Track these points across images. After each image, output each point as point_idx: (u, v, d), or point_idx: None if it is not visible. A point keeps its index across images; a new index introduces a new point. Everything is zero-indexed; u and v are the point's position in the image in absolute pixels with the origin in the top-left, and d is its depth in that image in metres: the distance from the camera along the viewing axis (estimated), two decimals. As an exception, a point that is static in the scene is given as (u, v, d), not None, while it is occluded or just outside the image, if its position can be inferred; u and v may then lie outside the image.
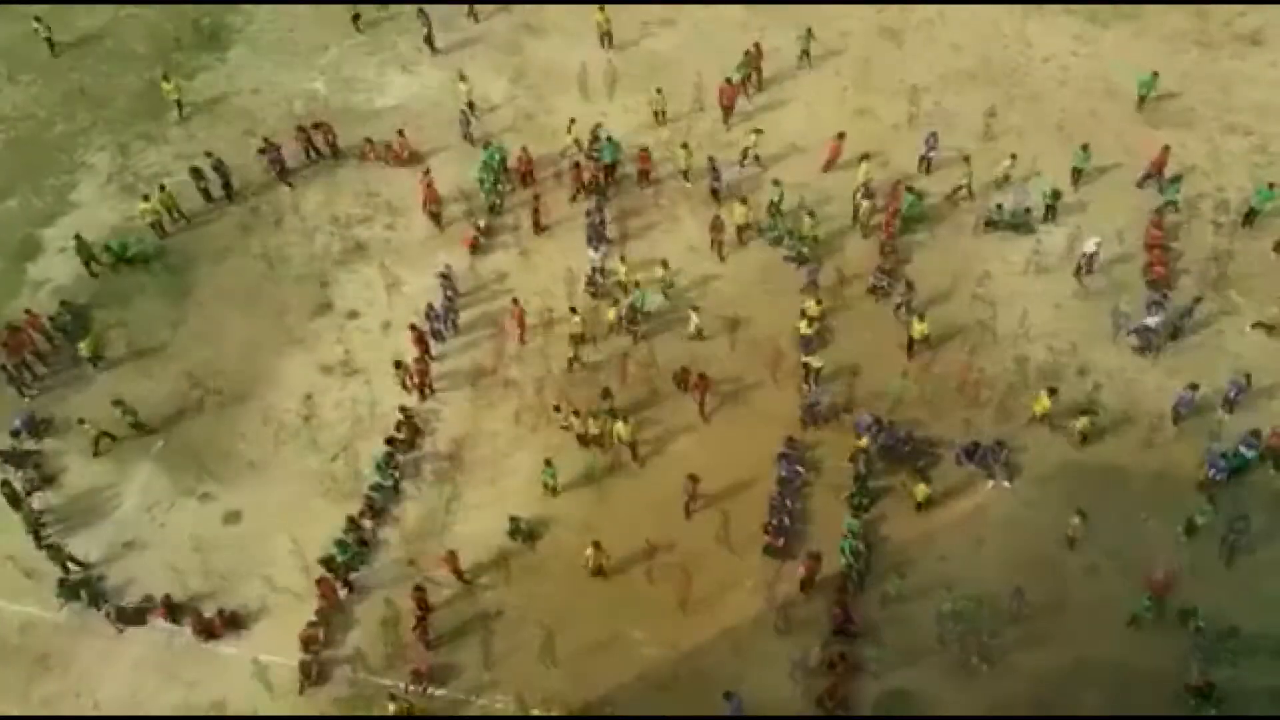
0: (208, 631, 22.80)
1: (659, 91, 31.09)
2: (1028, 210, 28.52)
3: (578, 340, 26.20)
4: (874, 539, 23.44)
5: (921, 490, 23.44)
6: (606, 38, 33.62)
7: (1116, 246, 27.85)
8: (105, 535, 24.51)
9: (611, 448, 24.86)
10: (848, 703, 21.44)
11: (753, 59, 31.94)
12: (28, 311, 27.28)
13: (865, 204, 28.43)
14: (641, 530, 23.55)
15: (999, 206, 28.60)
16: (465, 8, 34.98)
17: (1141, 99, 30.95)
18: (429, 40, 33.84)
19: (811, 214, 27.97)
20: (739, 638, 22.47)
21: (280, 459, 25.52)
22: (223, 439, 25.90)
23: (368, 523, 24.21)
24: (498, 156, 30.10)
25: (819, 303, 26.57)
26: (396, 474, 24.86)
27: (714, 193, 29.40)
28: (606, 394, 25.11)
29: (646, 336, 26.96)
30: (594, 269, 28.02)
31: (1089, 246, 27.02)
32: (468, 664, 22.46)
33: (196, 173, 29.84)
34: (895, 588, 22.70)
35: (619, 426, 24.36)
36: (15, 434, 25.68)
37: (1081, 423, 24.27)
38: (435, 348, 26.92)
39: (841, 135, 29.68)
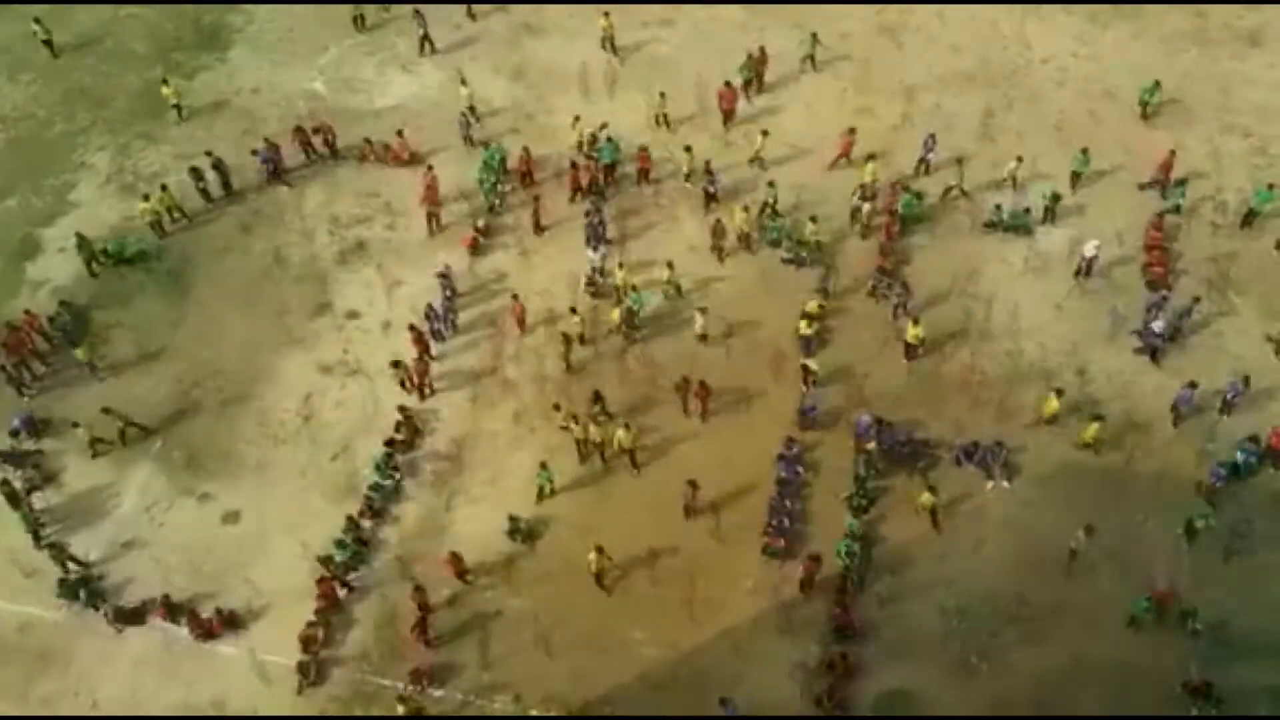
0: (207, 631, 22.80)
1: (662, 95, 31.06)
2: (1027, 211, 28.54)
3: (569, 341, 26.06)
4: (874, 539, 23.44)
5: (928, 499, 23.29)
6: (609, 43, 33.54)
7: (1116, 248, 27.89)
8: (104, 535, 24.50)
9: (613, 456, 24.79)
10: (847, 703, 21.45)
11: (755, 62, 31.90)
12: (27, 312, 27.27)
13: (867, 206, 28.42)
14: (642, 530, 23.59)
15: (998, 208, 28.62)
16: (464, 7, 35.02)
17: (1144, 106, 30.95)
18: (424, 42, 33.82)
19: (814, 219, 27.93)
20: (739, 638, 22.47)
21: (280, 459, 25.51)
22: (222, 439, 25.89)
23: (367, 523, 24.22)
24: (498, 157, 30.13)
25: (821, 306, 26.60)
26: (396, 474, 24.87)
27: (709, 196, 29.37)
28: (598, 398, 25.11)
29: (645, 340, 26.94)
30: (593, 269, 28.03)
31: (1089, 250, 27.04)
32: (467, 664, 22.45)
33: (196, 173, 29.83)
34: (891, 588, 22.71)
35: (620, 434, 24.31)
36: (15, 434, 25.68)
37: (1091, 430, 24.14)
38: (435, 348, 26.92)
39: (853, 130, 29.69)
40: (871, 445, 24.18)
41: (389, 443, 25.09)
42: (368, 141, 30.77)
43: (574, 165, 29.77)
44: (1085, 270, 27.27)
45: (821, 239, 28.01)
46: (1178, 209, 28.46)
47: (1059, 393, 24.60)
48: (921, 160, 29.70)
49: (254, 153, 30.36)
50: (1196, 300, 26.18)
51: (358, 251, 29.26)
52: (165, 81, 32.37)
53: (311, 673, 22.20)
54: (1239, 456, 23.67)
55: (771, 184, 28.79)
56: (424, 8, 33.69)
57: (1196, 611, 21.79)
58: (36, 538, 24.13)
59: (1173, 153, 28.78)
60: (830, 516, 23.78)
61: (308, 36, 35.03)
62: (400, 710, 21.26)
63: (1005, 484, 24.21)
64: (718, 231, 27.98)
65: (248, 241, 29.63)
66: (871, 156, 28.93)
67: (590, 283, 27.92)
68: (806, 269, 27.92)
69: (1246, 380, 24.50)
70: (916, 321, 25.72)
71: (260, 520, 24.53)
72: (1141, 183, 29.17)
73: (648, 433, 25.18)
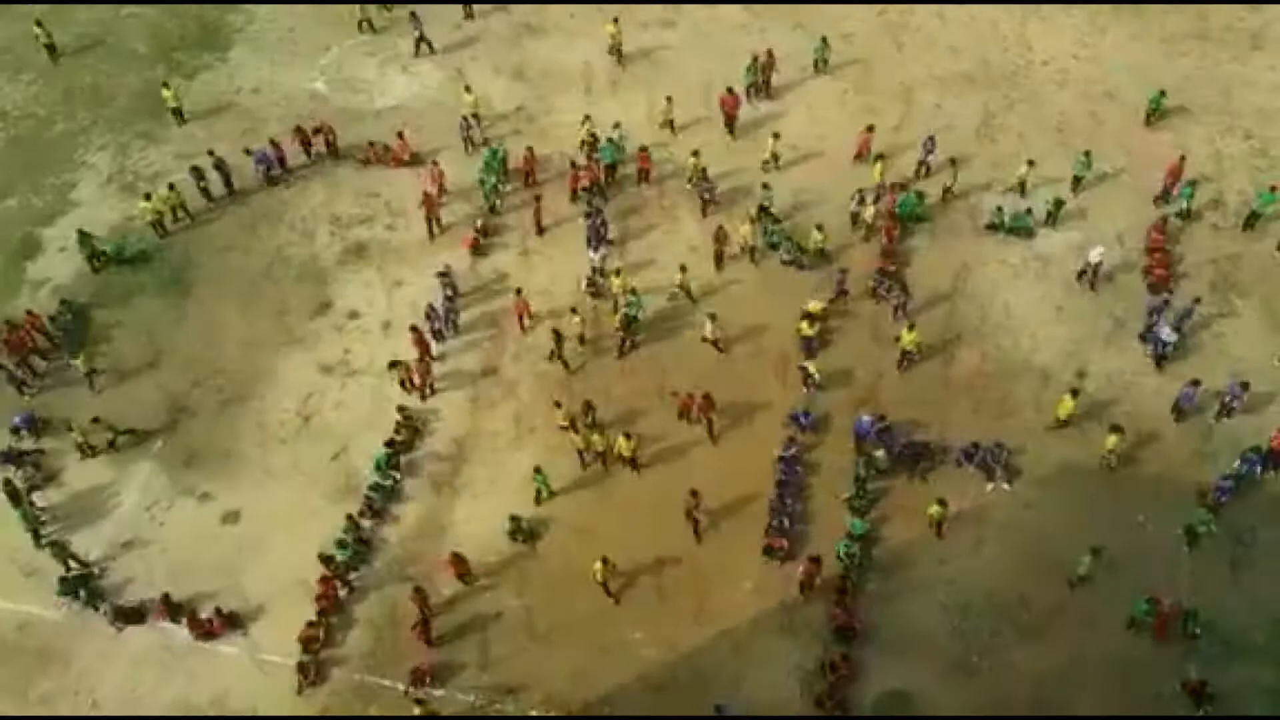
0: (206, 631, 22.78)
1: (669, 100, 30.99)
2: (1028, 212, 28.53)
3: (559, 338, 26.02)
4: (874, 539, 23.44)
5: (937, 512, 23.06)
6: (617, 50, 33.36)
7: (1117, 249, 27.89)
8: (104, 534, 24.49)
9: (613, 461, 24.74)
10: (847, 704, 21.45)
11: (762, 66, 31.77)
12: (28, 312, 27.26)
13: (869, 210, 28.32)
14: (642, 531, 23.58)
15: (999, 209, 28.62)
16: (463, 8, 35.03)
17: (1149, 115, 30.92)
18: (420, 43, 33.82)
19: (819, 227, 27.82)
20: (739, 638, 22.46)
21: (280, 459, 25.50)
22: (223, 439, 25.89)
23: (367, 522, 24.22)
24: (499, 157, 30.12)
25: (824, 309, 26.57)
26: (397, 474, 24.86)
27: (704, 202, 29.33)
28: (589, 408, 25.05)
29: (645, 343, 26.89)
30: (594, 269, 28.02)
31: (1094, 256, 26.94)
32: (467, 664, 22.44)
33: (197, 172, 29.85)
34: (891, 588, 22.70)
35: (621, 442, 24.26)
36: (15, 432, 25.68)
37: (1110, 441, 23.83)
38: (435, 348, 26.91)
39: (870, 128, 29.68)
40: (880, 452, 24.10)
41: (389, 443, 25.09)
42: (370, 144, 30.78)
43: (574, 165, 29.78)
44: (1090, 276, 27.22)
45: (825, 246, 27.89)
46: (1186, 213, 28.44)
47: (1075, 393, 24.51)
48: (921, 163, 29.68)
49: (247, 152, 30.35)
50: (1196, 301, 26.16)
51: (358, 251, 29.27)
52: (165, 85, 32.37)
53: (311, 673, 22.18)
54: (1242, 469, 23.42)
55: (766, 186, 28.80)
56: (422, 9, 33.71)
57: (1196, 613, 21.78)
58: (37, 537, 24.12)
59: (1183, 158, 28.68)
60: (830, 517, 23.77)
61: (308, 36, 35.07)
62: (416, 711, 21.24)
63: (1006, 485, 24.20)
64: (720, 238, 27.92)
65: (248, 241, 29.64)
66: (880, 157, 28.97)
67: (591, 283, 27.93)
68: (807, 271, 27.88)
69: (1245, 385, 24.45)
70: (912, 327, 25.61)
71: (260, 520, 24.51)
72: (1155, 195, 28.95)
73: (648, 435, 25.14)
